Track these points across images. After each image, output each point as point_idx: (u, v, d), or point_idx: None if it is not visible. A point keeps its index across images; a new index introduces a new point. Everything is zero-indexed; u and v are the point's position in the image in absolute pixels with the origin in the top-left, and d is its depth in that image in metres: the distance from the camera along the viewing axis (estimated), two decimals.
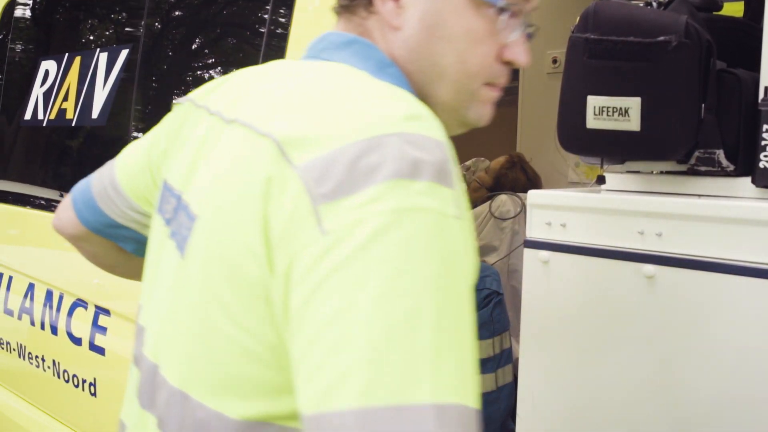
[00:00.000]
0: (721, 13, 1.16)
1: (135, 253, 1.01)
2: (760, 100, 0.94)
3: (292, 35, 1.50)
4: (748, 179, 0.96)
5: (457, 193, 0.59)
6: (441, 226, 0.56)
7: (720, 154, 0.96)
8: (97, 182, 0.97)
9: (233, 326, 0.63)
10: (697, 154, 0.98)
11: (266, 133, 0.63)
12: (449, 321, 0.54)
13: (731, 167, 0.97)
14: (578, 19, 1.03)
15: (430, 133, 0.59)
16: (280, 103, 0.68)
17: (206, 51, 1.87)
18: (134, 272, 1.09)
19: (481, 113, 0.76)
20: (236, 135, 0.69)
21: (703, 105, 0.96)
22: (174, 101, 0.90)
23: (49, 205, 2.32)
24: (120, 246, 1.00)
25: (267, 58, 1.53)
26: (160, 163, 0.87)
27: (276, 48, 1.52)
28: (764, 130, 0.92)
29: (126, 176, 0.94)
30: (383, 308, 0.52)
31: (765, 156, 0.92)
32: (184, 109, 0.85)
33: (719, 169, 0.96)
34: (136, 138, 1.91)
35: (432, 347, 0.52)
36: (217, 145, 0.72)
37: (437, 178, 0.57)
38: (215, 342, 0.65)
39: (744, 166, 0.96)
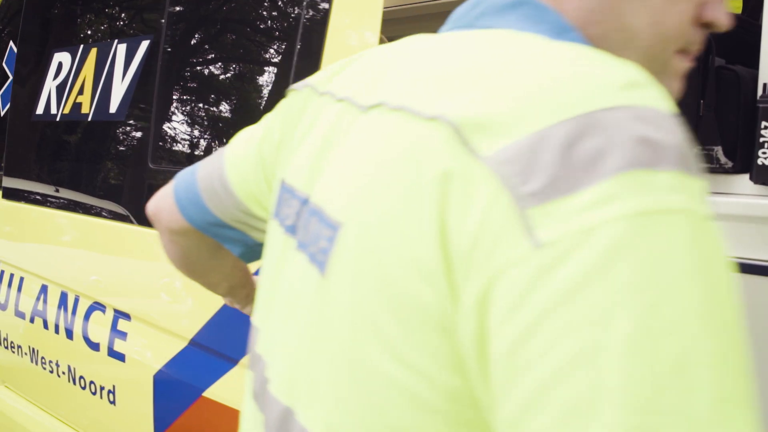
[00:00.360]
0: None
1: (242, 257, 1.05)
2: (758, 97, 1.08)
3: (331, 26, 1.63)
4: (747, 176, 1.10)
5: (703, 185, 0.50)
6: (698, 231, 0.47)
7: (718, 151, 1.12)
8: (204, 176, 0.98)
9: (397, 366, 0.56)
10: (695, 150, 1.14)
11: (435, 116, 0.56)
12: (729, 362, 0.45)
13: (729, 164, 1.12)
14: None
15: (660, 105, 0.51)
16: (446, 79, 0.60)
17: (235, 41, 2.06)
18: (215, 277, 1.21)
19: (673, 88, 0.70)
20: (384, 122, 0.63)
21: (701, 101, 1.10)
22: (290, 87, 0.89)
23: (60, 204, 2.59)
24: (226, 247, 1.03)
25: (303, 49, 1.72)
26: (273, 158, 0.86)
27: (313, 38, 1.69)
28: (763, 126, 1.07)
29: (236, 173, 0.93)
30: (642, 354, 0.43)
31: (763, 153, 1.07)
32: (303, 95, 0.83)
33: (718, 165, 1.12)
34: (156, 133, 2.15)
35: (714, 401, 0.44)
36: (351, 137, 0.67)
37: (683, 165, 0.48)
38: (373, 385, 0.57)
39: (742, 162, 1.12)
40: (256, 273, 1.62)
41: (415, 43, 0.73)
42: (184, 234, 1.05)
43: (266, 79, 1.87)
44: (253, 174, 0.91)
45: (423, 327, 0.54)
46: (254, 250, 1.06)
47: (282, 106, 0.90)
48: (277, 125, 0.88)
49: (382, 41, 1.83)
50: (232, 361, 1.80)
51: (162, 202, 1.06)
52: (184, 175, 1.04)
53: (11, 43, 3.30)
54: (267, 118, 0.94)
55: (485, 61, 0.60)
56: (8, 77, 3.26)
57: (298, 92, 0.86)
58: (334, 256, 0.63)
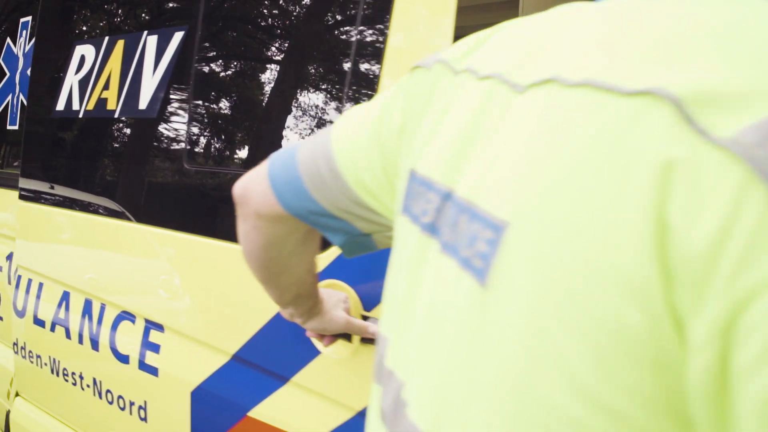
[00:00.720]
0: None
1: (343, 247, 0.97)
2: None
3: (396, 13, 1.49)
4: None
5: None
6: None
7: None
8: (306, 159, 0.90)
9: (586, 405, 0.45)
10: None
11: (645, 90, 0.45)
12: None
13: None
14: None
15: None
16: (651, 46, 0.48)
17: (282, 31, 1.91)
18: (288, 279, 1.10)
19: None
20: (560, 101, 0.52)
21: None
22: (416, 64, 0.78)
23: (82, 206, 2.45)
24: (326, 236, 0.95)
25: (362, 38, 1.57)
26: (394, 144, 0.77)
27: (374, 26, 1.57)
28: None
29: (347, 158, 0.84)
30: None
31: None
32: (434, 73, 0.73)
33: None
34: (192, 132, 2.00)
35: None
36: (508, 120, 0.57)
37: None
38: (550, 427, 0.47)
39: None
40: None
41: (575, 10, 0.61)
42: (274, 221, 0.96)
43: (320, 72, 1.72)
44: (366, 160, 0.82)
45: (626, 360, 0.43)
46: (357, 242, 0.98)
47: (404, 84, 0.79)
48: (399, 106, 0.77)
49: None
50: (282, 379, 1.65)
51: (253, 183, 0.96)
52: (281, 157, 0.94)
53: (8, 40, 3.32)
54: (383, 98, 0.83)
55: (702, 22, 0.47)
56: (5, 74, 3.30)
57: (427, 69, 0.75)
58: (499, 262, 0.52)
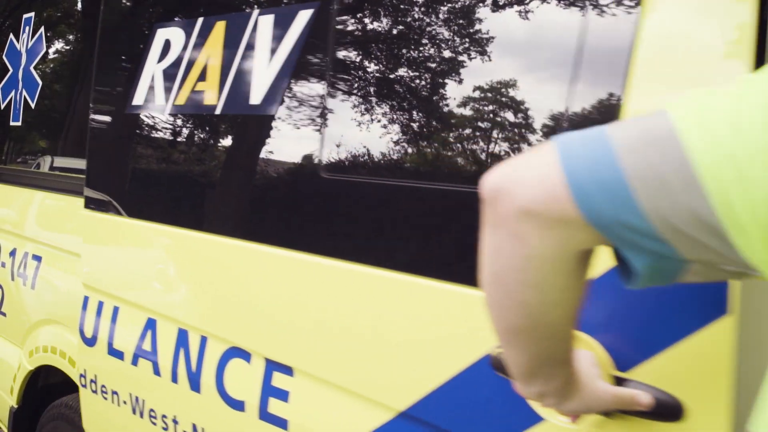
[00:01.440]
0: None
1: (640, 270, 0.74)
2: None
3: None
4: None
5: None
6: None
7: None
8: (632, 148, 0.69)
9: None
10: None
11: None
12: None
13: None
14: None
15: None
16: None
17: (453, 11, 1.54)
18: (542, 326, 0.83)
19: None
20: None
21: None
22: None
23: (174, 218, 2.10)
24: (627, 256, 0.74)
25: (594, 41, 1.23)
26: None
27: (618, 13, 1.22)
28: None
29: (714, 167, 0.65)
30: None
31: None
32: None
33: None
34: (331, 133, 1.65)
35: None
36: None
37: None
38: None
39: None
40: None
41: None
42: (550, 226, 0.73)
43: (504, 67, 1.38)
44: (744, 178, 0.62)
45: None
46: (663, 268, 0.74)
47: None
48: None
49: None
50: None
51: (525, 171, 0.74)
52: (579, 142, 0.73)
53: (11, 36, 3.29)
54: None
55: None
56: (8, 70, 3.31)
57: None
58: None
